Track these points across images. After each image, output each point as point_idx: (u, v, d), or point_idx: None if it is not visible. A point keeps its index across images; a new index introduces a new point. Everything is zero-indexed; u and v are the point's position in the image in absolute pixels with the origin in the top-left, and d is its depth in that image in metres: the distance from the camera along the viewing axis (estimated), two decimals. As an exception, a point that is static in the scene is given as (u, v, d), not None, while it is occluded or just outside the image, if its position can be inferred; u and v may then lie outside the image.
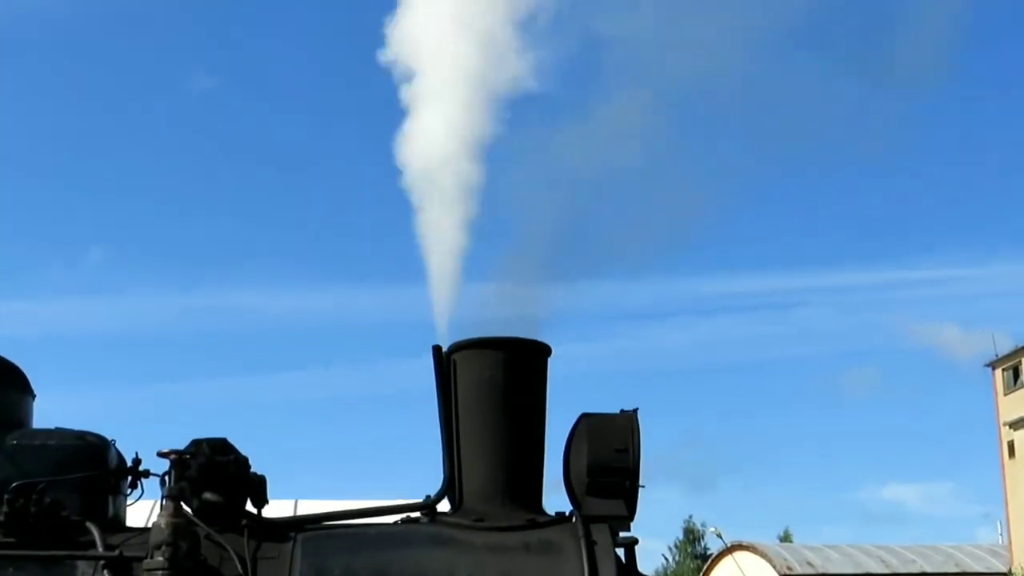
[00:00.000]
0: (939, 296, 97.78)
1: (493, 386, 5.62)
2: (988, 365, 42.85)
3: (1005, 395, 40.70)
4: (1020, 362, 39.95)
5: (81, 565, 5.18)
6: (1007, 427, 40.45)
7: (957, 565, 37.91)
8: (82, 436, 5.57)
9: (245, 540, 5.23)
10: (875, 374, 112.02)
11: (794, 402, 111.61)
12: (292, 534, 5.37)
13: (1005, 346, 41.35)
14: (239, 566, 5.12)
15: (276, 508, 5.69)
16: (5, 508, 5.22)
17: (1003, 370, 41.19)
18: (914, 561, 40.47)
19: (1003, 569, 34.73)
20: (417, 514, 5.61)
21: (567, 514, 5.57)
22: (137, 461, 5.61)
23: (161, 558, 4.91)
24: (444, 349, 5.75)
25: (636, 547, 5.39)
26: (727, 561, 42.55)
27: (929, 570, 37.61)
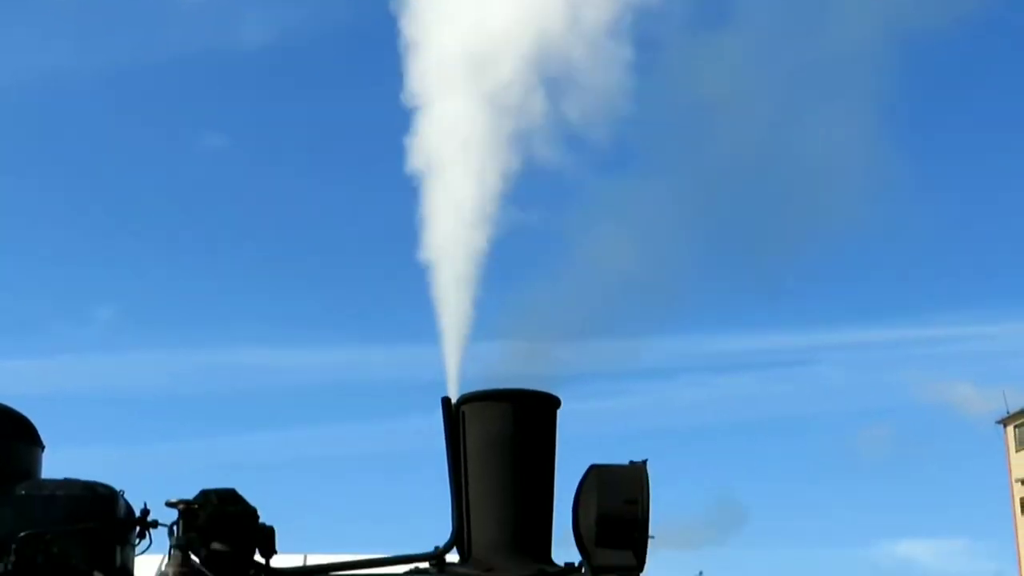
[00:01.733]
0: (951, 354, 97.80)
1: (502, 438, 5.57)
2: (1000, 422, 42.14)
3: (1017, 451, 40.06)
4: (1026, 423, 39.56)
5: None
6: (1019, 483, 40.03)
7: None
8: (90, 487, 5.44)
9: None
10: (889, 431, 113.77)
11: (808, 459, 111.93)
12: None
13: (1016, 403, 41.02)
14: (247, 618, 5.05)
15: (285, 562, 5.57)
16: (13, 558, 5.09)
17: (1015, 427, 40.40)
18: None
19: None
20: (426, 565, 5.52)
21: (576, 564, 5.47)
22: (145, 512, 5.48)
23: (168, 606, 4.84)
24: (453, 401, 5.68)
25: None
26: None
27: None
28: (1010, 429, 40.06)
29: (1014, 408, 39.75)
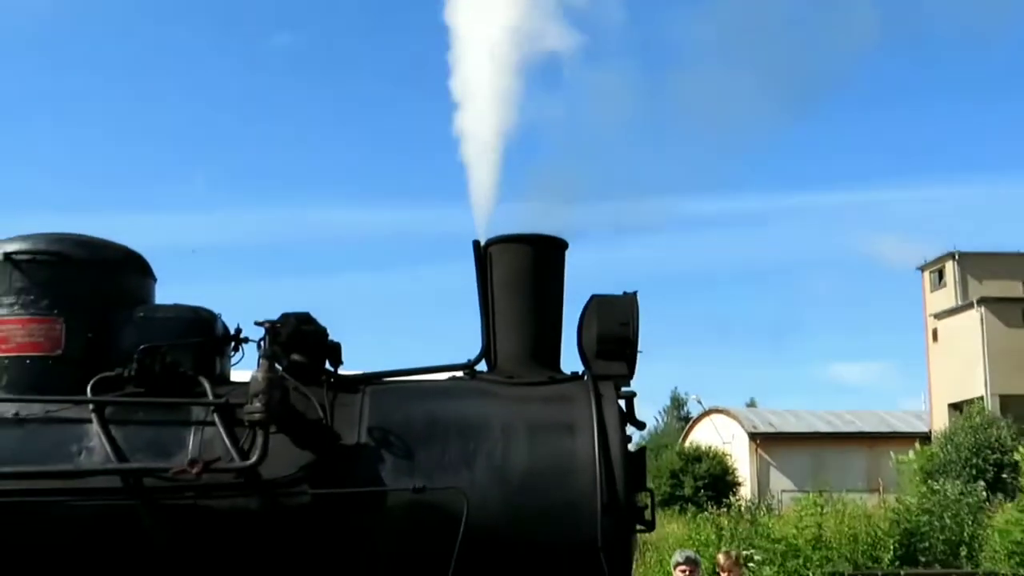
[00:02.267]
0: (888, 214, 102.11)
1: (521, 272, 6.12)
2: (919, 269, 45.92)
3: (931, 292, 43.93)
4: (944, 266, 43.16)
5: (195, 410, 5.68)
6: (932, 318, 43.15)
7: (888, 426, 40.03)
8: (195, 310, 6.04)
9: (324, 392, 5.75)
10: (830, 276, 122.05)
11: (763, 297, 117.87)
12: (361, 387, 5.87)
13: (934, 253, 44.87)
14: (320, 411, 5.63)
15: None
16: (135, 366, 5.73)
17: (930, 272, 44.60)
18: (853, 422, 42.98)
19: (924, 430, 37.24)
20: (461, 373, 6.16)
21: (580, 373, 6.13)
22: (239, 330, 6.14)
23: (258, 404, 5.38)
24: (482, 244, 6.23)
25: (634, 399, 5.94)
26: (705, 422, 44.44)
27: (866, 430, 39.75)
28: (926, 274, 43.29)
29: (931, 258, 42.97)
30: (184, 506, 5.51)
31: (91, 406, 5.72)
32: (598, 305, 6.14)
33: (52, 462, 5.59)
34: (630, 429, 5.91)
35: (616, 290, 6.27)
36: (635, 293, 6.11)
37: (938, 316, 43.51)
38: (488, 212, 6.31)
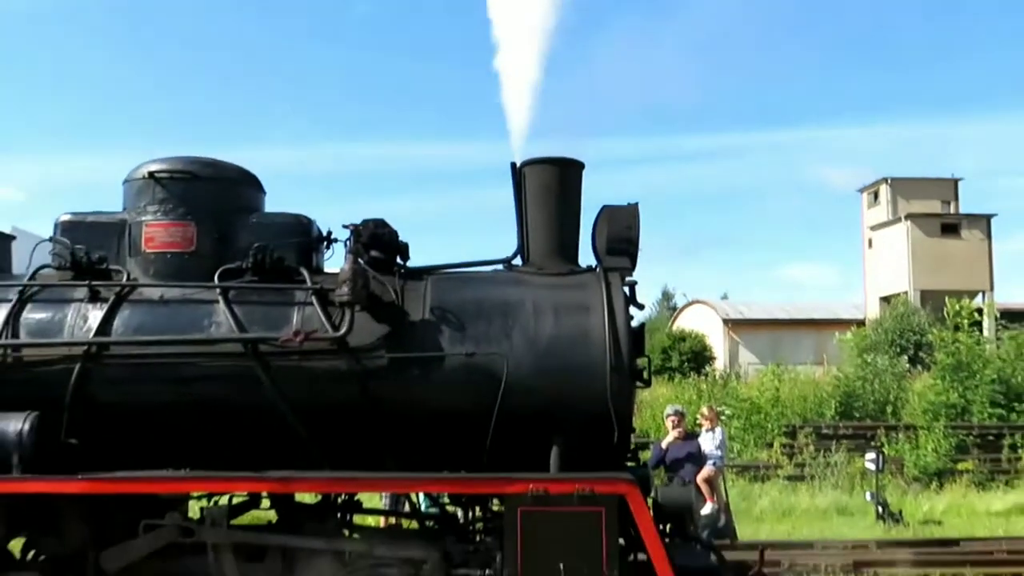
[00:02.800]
0: (833, 148, 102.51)
1: (549, 186, 6.06)
2: (859, 191, 45.65)
3: (868, 209, 43.76)
4: (879, 188, 42.93)
5: (298, 293, 5.74)
6: (869, 230, 43.09)
7: (832, 314, 39.58)
8: (296, 216, 6.04)
9: (396, 280, 5.80)
10: (789, 198, 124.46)
11: (736, 214, 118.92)
12: (425, 277, 5.91)
13: (870, 179, 44.60)
14: (393, 295, 5.70)
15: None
16: (251, 260, 5.78)
17: (868, 193, 44.30)
18: (804, 311, 42.24)
19: (860, 317, 37.27)
20: (501, 266, 6.19)
21: (593, 267, 6.11)
22: (330, 232, 6.16)
23: (346, 289, 5.46)
24: (518, 165, 6.17)
25: (635, 287, 5.94)
26: (688, 311, 44.54)
27: (814, 317, 39.35)
28: (865, 195, 43.16)
29: (868, 182, 42.71)
30: (290, 366, 5.60)
31: (218, 290, 5.80)
32: (607, 213, 6.10)
33: (189, 332, 5.68)
34: (632, 309, 5.91)
35: (623, 203, 6.22)
36: (636, 204, 6.07)
37: (873, 228, 43.18)
38: (522, 142, 6.22)
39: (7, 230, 6.81)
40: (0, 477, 5.21)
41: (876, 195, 44.17)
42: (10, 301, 5.78)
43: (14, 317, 5.72)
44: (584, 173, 6.26)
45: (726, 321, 39.42)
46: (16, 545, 5.81)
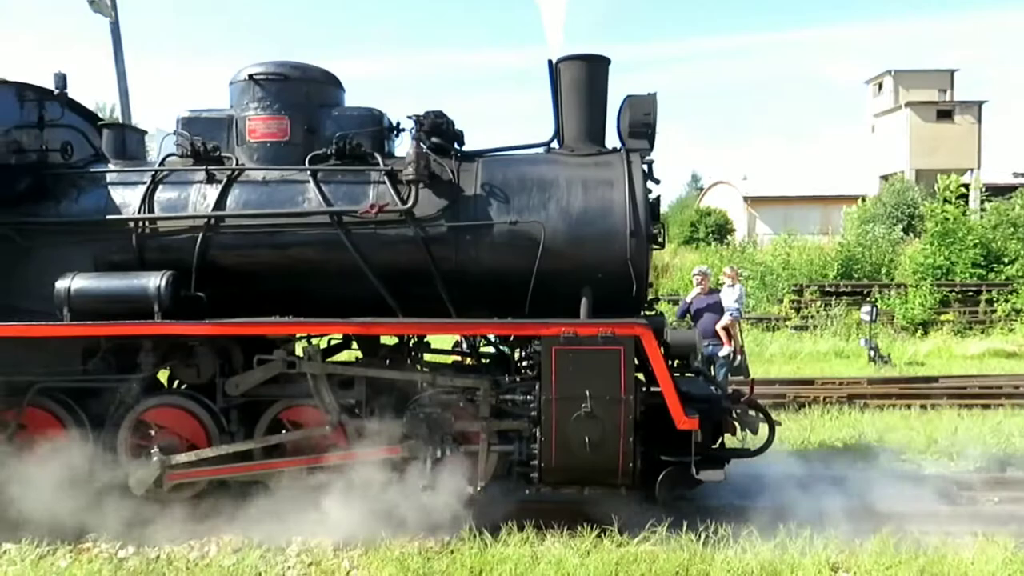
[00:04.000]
0: (843, 46, 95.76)
1: (580, 79, 5.86)
2: (865, 82, 42.98)
3: (873, 99, 41.34)
4: (883, 80, 40.26)
5: (372, 174, 5.73)
6: (872, 117, 40.91)
7: (838, 190, 36.66)
8: (369, 109, 5.98)
9: (453, 162, 5.77)
10: (803, 91, 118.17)
11: (757, 107, 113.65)
12: (476, 159, 5.84)
13: (875, 71, 41.72)
14: (450, 174, 5.68)
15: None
16: (334, 147, 5.76)
17: (873, 84, 41.68)
18: (813, 188, 39.09)
19: (862, 193, 33.79)
20: (541, 149, 6.06)
21: (617, 148, 5.94)
22: (398, 123, 6.12)
23: (411, 169, 5.49)
24: (554, 62, 5.95)
25: (653, 164, 5.76)
26: (713, 190, 43.12)
27: (823, 193, 36.70)
28: (870, 86, 40.70)
29: (872, 75, 39.99)
30: (367, 233, 5.67)
31: (308, 172, 5.82)
32: (630, 102, 5.88)
33: (286, 206, 5.76)
34: (650, 184, 5.78)
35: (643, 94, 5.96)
36: (655, 94, 5.82)
37: (876, 116, 40.89)
38: (558, 42, 6.02)
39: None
40: (147, 322, 5.41)
41: (880, 86, 41.67)
42: (145, 183, 5.90)
43: (149, 196, 5.86)
44: (611, 68, 6.02)
45: (745, 198, 38.36)
46: (163, 375, 6.12)
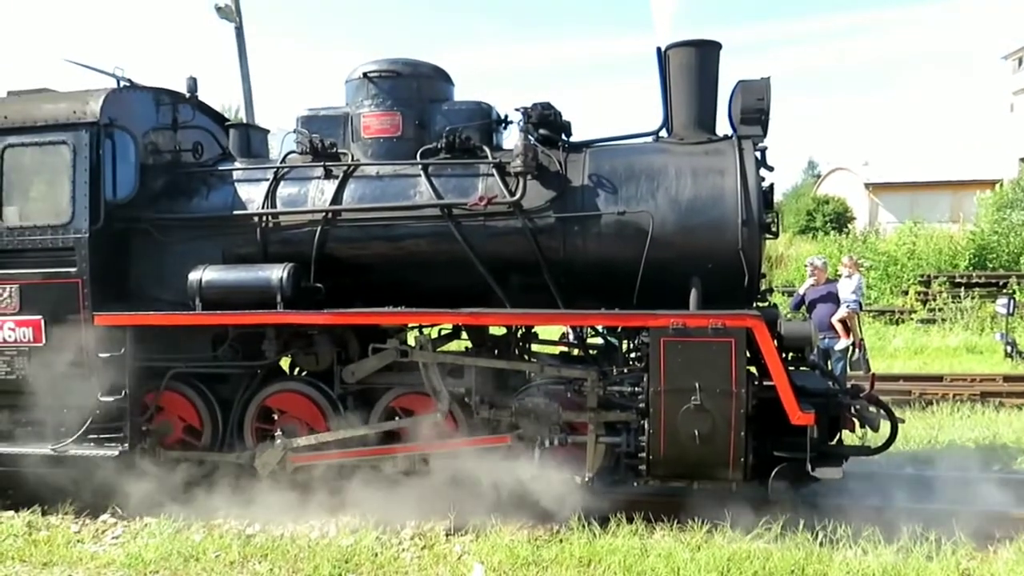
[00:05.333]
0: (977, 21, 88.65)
1: (690, 62, 5.75)
2: (1003, 57, 39.82)
3: (1012, 74, 38.22)
4: (1021, 56, 37.11)
5: (482, 167, 5.81)
6: (1011, 95, 37.93)
7: (970, 174, 33.89)
8: (477, 102, 6.05)
9: (560, 153, 5.78)
10: (932, 69, 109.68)
11: (886, 86, 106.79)
12: (584, 149, 5.84)
13: (1014, 46, 38.48)
14: (558, 166, 5.69)
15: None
16: (444, 141, 5.86)
17: (1012, 59, 38.53)
18: (942, 172, 36.74)
19: (998, 177, 31.10)
20: (649, 138, 5.99)
21: (729, 136, 5.80)
22: (507, 116, 6.16)
23: (519, 161, 5.52)
24: (663, 49, 5.85)
25: (766, 151, 5.59)
26: (831, 177, 41.02)
27: (953, 179, 34.10)
28: (1009, 61, 37.63)
29: (1009, 51, 36.90)
30: (476, 225, 5.76)
31: (420, 167, 5.95)
32: (742, 87, 5.73)
33: (399, 200, 5.91)
34: (763, 172, 5.61)
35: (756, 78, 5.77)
36: (768, 78, 5.63)
37: (1015, 93, 37.94)
38: (667, 30, 5.92)
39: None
40: (270, 312, 5.69)
41: (1021, 61, 38.65)
42: (268, 180, 6.19)
43: (272, 192, 6.15)
44: (722, 53, 5.86)
45: (867, 185, 36.41)
46: (284, 363, 6.43)
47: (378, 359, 5.81)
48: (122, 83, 6.31)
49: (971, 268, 20.31)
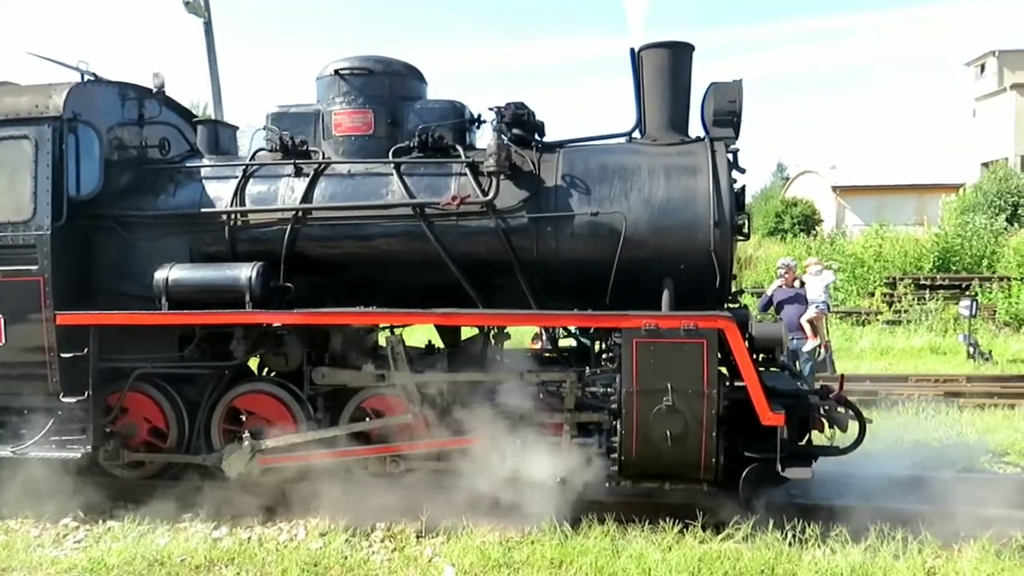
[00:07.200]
0: (940, 25, 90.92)
1: (664, 67, 5.75)
2: (967, 64, 40.75)
3: (975, 81, 39.15)
4: (986, 61, 38.01)
5: (454, 166, 5.76)
6: (974, 100, 38.83)
7: (934, 178, 34.42)
8: (451, 101, 6.00)
9: (534, 152, 5.75)
10: (902, 72, 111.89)
11: (848, 90, 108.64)
12: (557, 149, 5.81)
13: (976, 53, 39.72)
14: (531, 165, 5.66)
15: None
16: (416, 139, 5.81)
17: (975, 66, 39.45)
18: (907, 176, 37.10)
19: (961, 181, 31.70)
20: (622, 139, 5.98)
21: (701, 137, 5.81)
22: (479, 115, 6.12)
23: (492, 161, 5.47)
24: (636, 50, 5.83)
25: (738, 153, 5.62)
26: (799, 180, 41.43)
27: (917, 182, 34.66)
28: (972, 68, 38.98)
29: (973, 56, 37.89)
30: (448, 224, 5.71)
31: (392, 165, 5.89)
32: (714, 89, 5.75)
33: (370, 199, 5.85)
34: (735, 173, 5.63)
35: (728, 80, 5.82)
36: (740, 80, 5.66)
37: (978, 99, 38.78)
38: (640, 32, 5.93)
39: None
40: (237, 311, 5.60)
41: (983, 68, 39.50)
42: (237, 177, 6.10)
43: (240, 189, 6.05)
44: (694, 55, 5.88)
45: (834, 188, 36.91)
46: (253, 363, 6.33)
47: (352, 376, 5.74)
48: (86, 77, 6.17)
49: (935, 271, 20.68)
